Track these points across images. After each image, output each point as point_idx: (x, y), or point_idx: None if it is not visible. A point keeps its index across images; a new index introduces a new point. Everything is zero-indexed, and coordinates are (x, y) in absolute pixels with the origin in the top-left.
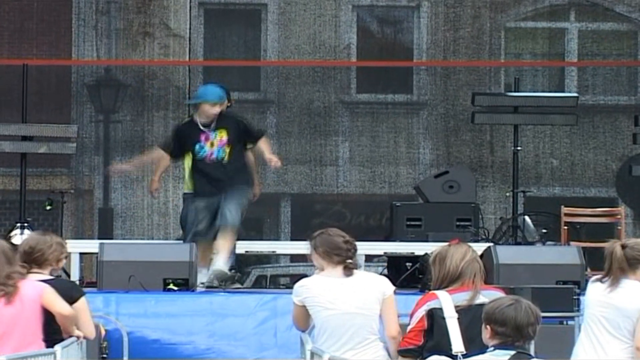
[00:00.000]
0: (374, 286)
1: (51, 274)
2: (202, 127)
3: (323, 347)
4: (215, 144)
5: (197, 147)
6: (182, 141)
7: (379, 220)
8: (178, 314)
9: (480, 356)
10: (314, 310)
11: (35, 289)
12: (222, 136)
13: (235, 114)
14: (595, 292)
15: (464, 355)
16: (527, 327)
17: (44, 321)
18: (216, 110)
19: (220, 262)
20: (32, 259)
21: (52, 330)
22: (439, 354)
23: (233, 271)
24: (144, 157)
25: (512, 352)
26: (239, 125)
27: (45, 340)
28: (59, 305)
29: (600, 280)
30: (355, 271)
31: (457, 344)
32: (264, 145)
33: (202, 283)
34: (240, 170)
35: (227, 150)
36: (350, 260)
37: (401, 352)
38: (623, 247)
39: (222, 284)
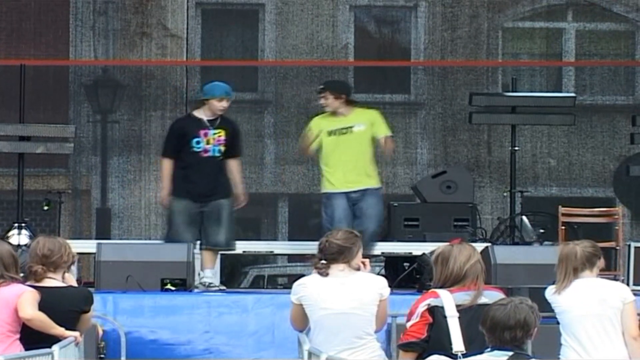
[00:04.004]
0: (371, 287)
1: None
2: (204, 123)
3: (319, 346)
4: (211, 142)
5: (194, 141)
6: (181, 137)
7: None
8: (176, 314)
9: (479, 356)
10: (310, 309)
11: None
12: (220, 135)
13: (234, 121)
14: (569, 296)
15: (464, 355)
16: (525, 327)
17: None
18: (224, 105)
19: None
20: (51, 262)
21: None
22: (439, 353)
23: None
24: (165, 180)
25: (510, 353)
26: (235, 132)
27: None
28: (23, 310)
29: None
30: (352, 271)
31: (458, 343)
32: (235, 169)
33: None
34: (226, 175)
35: (223, 149)
36: (324, 260)
37: (402, 346)
38: (579, 247)
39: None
